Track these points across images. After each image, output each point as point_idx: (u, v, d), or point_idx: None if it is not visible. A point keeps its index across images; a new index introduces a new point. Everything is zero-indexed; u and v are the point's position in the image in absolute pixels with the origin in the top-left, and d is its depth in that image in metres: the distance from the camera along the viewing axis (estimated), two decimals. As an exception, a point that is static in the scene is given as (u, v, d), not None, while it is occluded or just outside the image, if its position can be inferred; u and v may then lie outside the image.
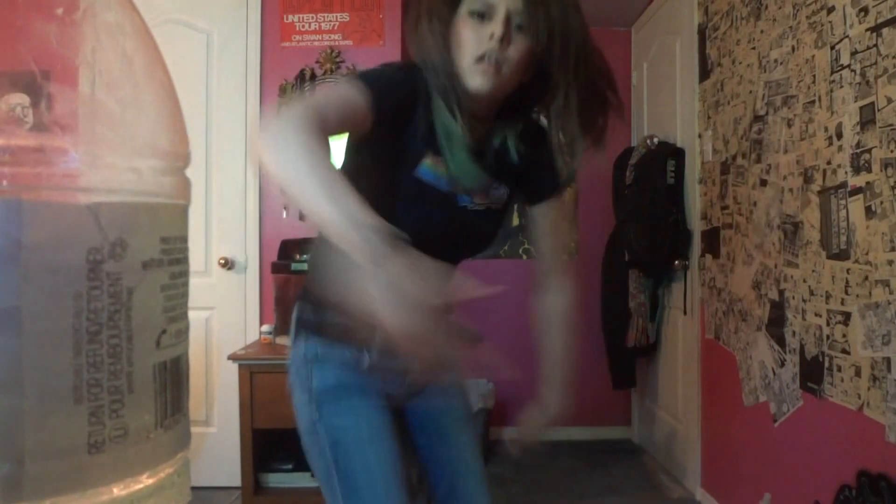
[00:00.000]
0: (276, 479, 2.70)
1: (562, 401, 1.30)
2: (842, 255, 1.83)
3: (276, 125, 0.88)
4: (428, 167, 1.09)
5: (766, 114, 2.27)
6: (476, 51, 1.03)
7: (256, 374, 2.53)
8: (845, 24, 1.80)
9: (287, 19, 3.06)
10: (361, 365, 1.16)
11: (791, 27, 2.10)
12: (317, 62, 3.04)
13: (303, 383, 1.18)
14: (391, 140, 1.07)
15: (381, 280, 0.73)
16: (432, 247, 0.85)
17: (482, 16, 1.03)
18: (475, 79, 1.04)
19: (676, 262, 3.00)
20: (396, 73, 1.11)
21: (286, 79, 3.03)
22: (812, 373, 1.97)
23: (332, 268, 1.03)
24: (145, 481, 0.40)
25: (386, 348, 0.92)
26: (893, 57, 1.61)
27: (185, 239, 0.45)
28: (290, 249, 2.78)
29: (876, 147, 1.68)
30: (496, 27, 1.01)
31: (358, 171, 1.05)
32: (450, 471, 1.29)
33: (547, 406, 1.31)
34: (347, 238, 0.78)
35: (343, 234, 0.78)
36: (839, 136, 1.84)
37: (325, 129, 0.93)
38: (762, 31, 2.30)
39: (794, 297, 2.08)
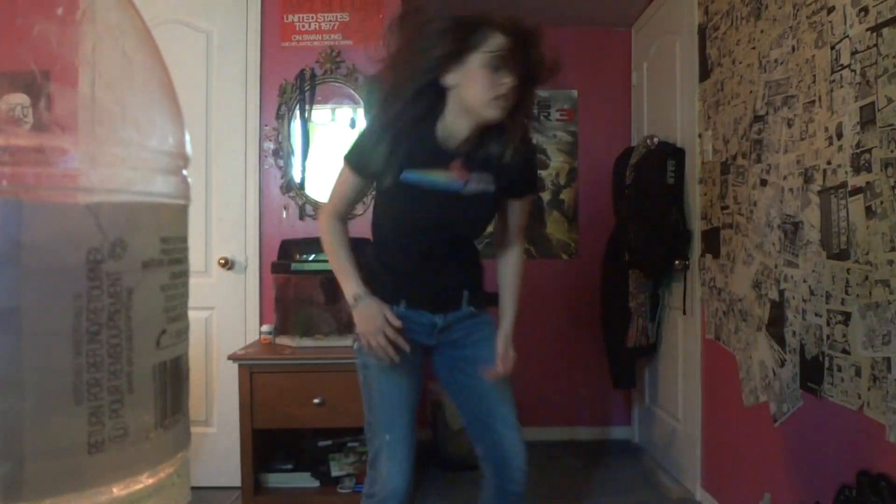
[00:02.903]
0: (276, 479, 2.70)
1: (513, 325, 1.81)
2: (842, 255, 1.83)
3: (319, 217, 1.75)
4: (415, 174, 1.61)
5: (767, 114, 2.27)
6: (495, 92, 1.51)
7: (256, 374, 2.53)
8: (845, 23, 1.80)
9: (287, 19, 3.06)
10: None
11: (791, 27, 2.10)
12: (317, 62, 3.04)
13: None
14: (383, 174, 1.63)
15: (355, 314, 1.65)
16: (437, 227, 1.65)
17: (496, 69, 1.52)
18: (493, 111, 1.54)
19: (676, 262, 3.00)
20: (369, 140, 1.63)
21: (286, 79, 3.04)
22: (812, 373, 1.98)
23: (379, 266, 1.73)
24: (145, 481, 0.40)
25: (411, 305, 1.69)
26: (893, 57, 1.61)
27: (185, 239, 0.45)
28: (290, 249, 2.78)
29: (876, 147, 1.68)
30: (508, 78, 1.51)
31: (381, 202, 1.72)
32: (477, 411, 1.83)
33: (507, 331, 1.79)
34: (346, 290, 1.68)
35: (344, 286, 1.68)
36: (839, 136, 1.84)
37: (340, 214, 1.72)
38: (762, 31, 2.30)
39: (794, 297, 2.08)
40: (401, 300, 1.69)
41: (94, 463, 0.37)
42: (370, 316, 1.62)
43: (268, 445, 2.69)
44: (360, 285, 1.65)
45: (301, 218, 3.04)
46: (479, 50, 1.52)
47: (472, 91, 1.53)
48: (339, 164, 1.70)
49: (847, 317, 1.80)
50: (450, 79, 1.56)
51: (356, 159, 1.66)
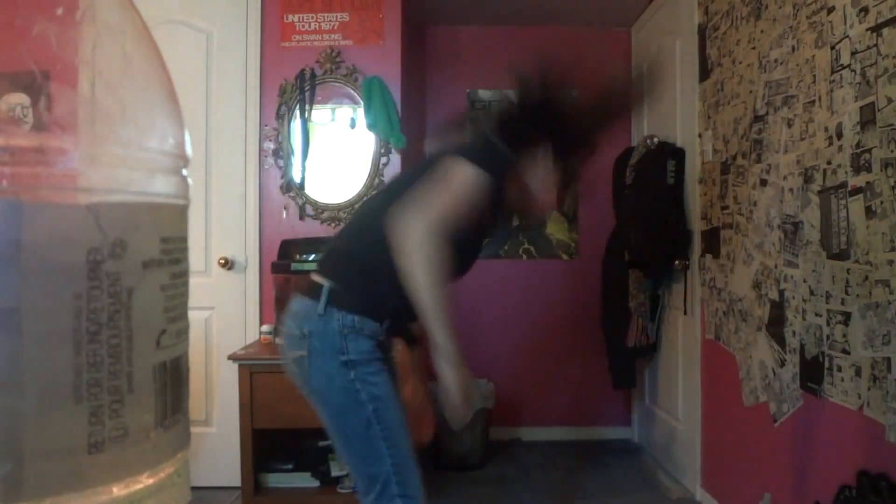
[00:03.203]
0: (276, 479, 2.70)
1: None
2: (842, 255, 1.83)
3: (421, 234, 1.28)
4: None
5: (767, 114, 2.27)
6: (552, 206, 1.60)
7: (256, 374, 2.53)
8: (845, 23, 1.80)
9: (287, 19, 3.06)
10: (381, 335, 1.43)
11: (791, 27, 2.10)
12: (317, 62, 3.04)
13: (334, 350, 1.38)
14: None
15: (452, 377, 1.35)
16: (470, 262, 1.55)
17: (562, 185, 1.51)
18: (539, 213, 1.67)
19: (676, 262, 3.00)
20: (500, 164, 1.41)
21: (286, 79, 3.04)
22: (812, 373, 1.98)
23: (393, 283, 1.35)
24: (145, 481, 0.40)
25: (394, 322, 1.43)
26: (893, 57, 1.61)
27: (185, 239, 0.45)
28: (290, 249, 2.78)
29: (876, 147, 1.68)
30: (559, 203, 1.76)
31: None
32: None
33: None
34: (442, 344, 1.32)
35: (440, 340, 1.32)
36: (839, 135, 1.84)
37: (447, 235, 1.31)
38: (762, 31, 2.30)
39: (794, 297, 2.08)
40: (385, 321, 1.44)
41: (94, 463, 0.37)
42: (469, 386, 1.38)
43: (268, 445, 2.69)
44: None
45: (301, 218, 3.04)
46: (576, 163, 1.50)
47: (545, 191, 1.50)
48: (461, 167, 1.34)
49: (847, 317, 1.80)
50: (544, 155, 1.46)
51: (501, 160, 1.41)
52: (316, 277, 1.47)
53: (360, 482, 1.43)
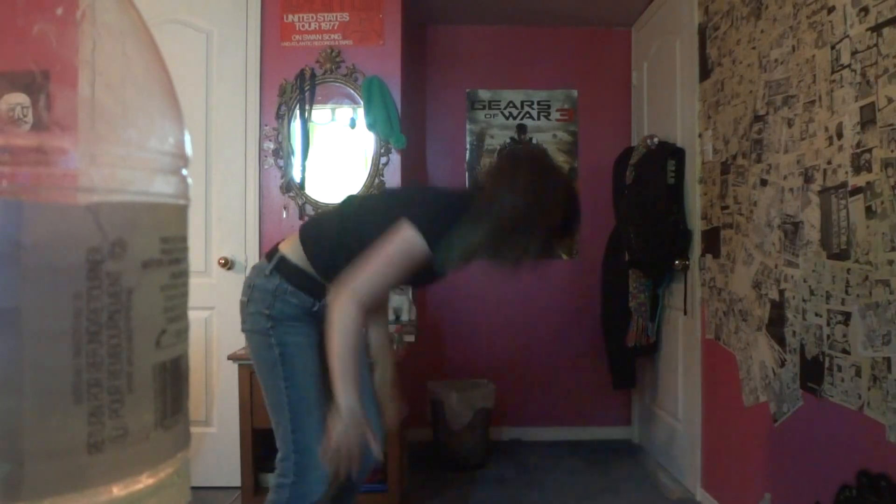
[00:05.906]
0: (276, 479, 2.69)
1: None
2: (842, 255, 1.83)
3: (349, 303, 1.51)
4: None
5: (767, 113, 2.27)
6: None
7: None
8: (846, 23, 1.80)
9: (287, 19, 3.06)
10: (312, 307, 1.68)
11: (791, 27, 2.10)
12: (317, 62, 3.04)
13: (264, 304, 1.66)
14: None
15: (343, 436, 1.52)
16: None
17: None
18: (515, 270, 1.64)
19: (676, 262, 3.00)
20: (448, 216, 1.58)
21: (286, 78, 3.04)
22: (812, 373, 1.98)
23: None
24: (145, 481, 0.40)
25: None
26: (893, 57, 1.61)
27: (185, 239, 0.45)
28: (290, 249, 2.78)
29: (876, 147, 1.68)
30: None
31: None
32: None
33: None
34: (343, 406, 1.51)
35: (342, 402, 1.51)
36: (839, 135, 1.84)
37: (372, 304, 1.57)
38: (762, 31, 2.30)
39: (794, 297, 2.08)
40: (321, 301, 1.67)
41: (93, 463, 0.37)
42: (358, 429, 1.54)
43: (268, 445, 2.69)
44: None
45: (301, 218, 3.04)
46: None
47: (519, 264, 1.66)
48: (402, 234, 1.53)
49: (847, 317, 1.80)
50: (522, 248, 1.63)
51: (464, 249, 1.58)
52: (281, 245, 1.72)
53: (275, 433, 1.70)
